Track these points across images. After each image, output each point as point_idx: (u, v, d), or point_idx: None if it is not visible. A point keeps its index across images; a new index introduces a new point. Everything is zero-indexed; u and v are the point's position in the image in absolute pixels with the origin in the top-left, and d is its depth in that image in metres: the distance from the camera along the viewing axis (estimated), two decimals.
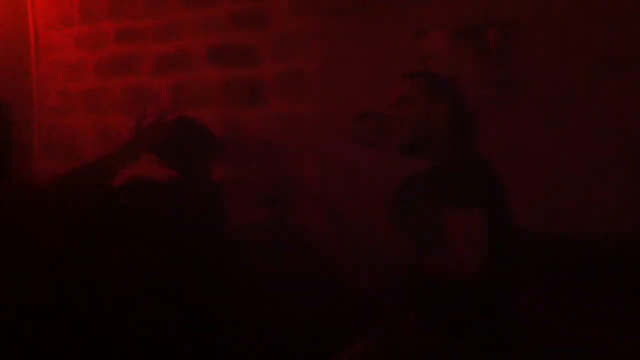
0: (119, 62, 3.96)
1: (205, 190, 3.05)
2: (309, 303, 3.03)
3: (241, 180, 3.46)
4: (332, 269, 3.10)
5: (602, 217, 2.58)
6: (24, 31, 4.23)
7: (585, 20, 2.69)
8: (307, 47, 3.38)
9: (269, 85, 3.49)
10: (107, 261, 2.59)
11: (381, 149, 2.50)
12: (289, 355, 2.94)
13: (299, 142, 3.40)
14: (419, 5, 3.02)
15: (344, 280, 3.03)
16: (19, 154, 4.17)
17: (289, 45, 3.43)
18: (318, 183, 3.34)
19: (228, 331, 2.92)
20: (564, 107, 2.72)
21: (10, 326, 2.26)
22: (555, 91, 2.75)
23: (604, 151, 2.63)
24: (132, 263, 2.64)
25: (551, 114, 2.75)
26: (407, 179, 2.22)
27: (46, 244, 2.50)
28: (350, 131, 3.12)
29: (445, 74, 2.21)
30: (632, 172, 2.56)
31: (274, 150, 3.47)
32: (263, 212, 3.27)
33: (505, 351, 1.98)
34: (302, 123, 3.38)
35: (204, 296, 2.81)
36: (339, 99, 3.24)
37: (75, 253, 2.52)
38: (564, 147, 2.71)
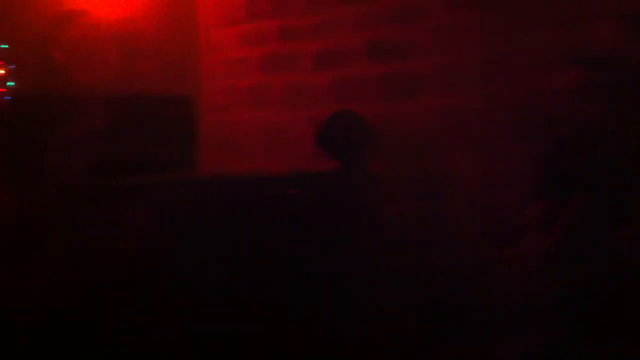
0: (280, 58, 4.12)
1: (364, 181, 3.12)
2: (455, 298, 3.01)
3: (395, 173, 3.50)
4: (481, 266, 3.06)
5: None
6: (194, 31, 4.49)
7: None
8: (463, 39, 3.35)
9: (426, 79, 3.49)
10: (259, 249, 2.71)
11: (539, 144, 2.39)
12: None
13: (455, 135, 3.37)
14: None
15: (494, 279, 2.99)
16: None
17: (445, 38, 3.42)
18: (473, 177, 3.31)
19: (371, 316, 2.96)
20: None
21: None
22: None
23: None
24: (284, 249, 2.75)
25: None
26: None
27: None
28: (508, 124, 3.07)
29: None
30: None
31: (429, 143, 3.48)
32: (415, 205, 3.29)
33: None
34: (459, 116, 3.36)
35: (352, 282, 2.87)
36: (496, 91, 3.19)
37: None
38: None
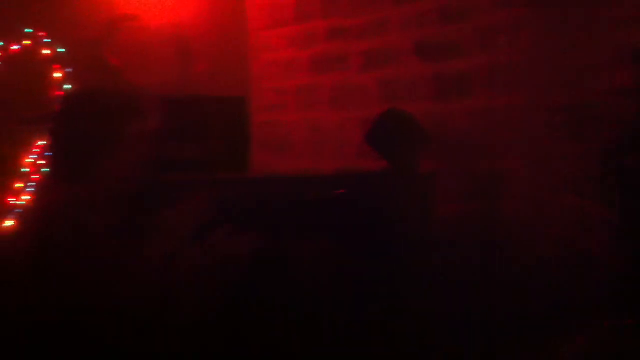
0: (329, 59, 4.14)
1: (413, 181, 3.12)
2: (510, 299, 2.99)
3: (445, 173, 3.49)
4: (535, 263, 3.03)
5: None
6: (243, 33, 4.55)
7: None
8: (512, 38, 3.32)
9: (475, 78, 3.47)
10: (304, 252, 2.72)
11: (591, 143, 2.34)
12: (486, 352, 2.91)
13: (504, 134, 3.34)
14: None
15: (547, 277, 2.96)
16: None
17: (494, 37, 3.40)
18: (523, 176, 3.28)
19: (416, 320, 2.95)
20: None
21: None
22: None
23: None
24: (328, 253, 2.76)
25: None
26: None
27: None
28: (559, 124, 3.04)
29: None
30: None
31: (478, 143, 3.46)
32: (467, 205, 3.27)
33: None
34: (507, 115, 3.32)
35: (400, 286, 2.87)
36: (547, 91, 3.15)
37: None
38: None
